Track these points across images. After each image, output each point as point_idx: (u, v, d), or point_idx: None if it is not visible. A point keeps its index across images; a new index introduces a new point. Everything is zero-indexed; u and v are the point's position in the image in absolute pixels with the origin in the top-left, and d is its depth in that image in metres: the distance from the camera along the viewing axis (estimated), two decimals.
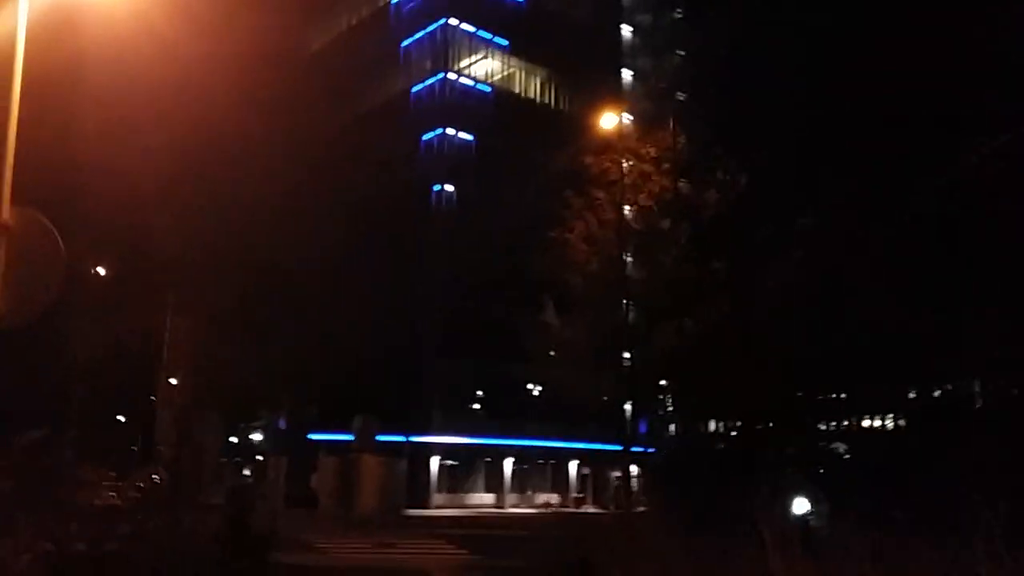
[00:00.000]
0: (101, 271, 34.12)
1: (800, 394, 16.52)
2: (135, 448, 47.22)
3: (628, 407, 60.94)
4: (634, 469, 58.42)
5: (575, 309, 18.29)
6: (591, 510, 52.71)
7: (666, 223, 16.97)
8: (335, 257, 50.47)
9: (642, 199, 17.40)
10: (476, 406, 53.54)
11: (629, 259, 18.36)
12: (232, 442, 68.63)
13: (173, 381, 55.26)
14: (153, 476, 42.46)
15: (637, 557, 10.16)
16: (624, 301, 17.83)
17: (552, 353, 20.15)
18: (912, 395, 61.80)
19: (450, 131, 53.99)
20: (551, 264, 18.23)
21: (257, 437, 64.20)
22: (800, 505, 15.41)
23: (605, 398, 21.14)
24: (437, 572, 16.10)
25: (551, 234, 18.26)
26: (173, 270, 41.09)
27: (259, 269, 46.84)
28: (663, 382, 18.92)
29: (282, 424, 49.17)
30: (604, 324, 18.85)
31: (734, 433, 18.75)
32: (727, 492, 15.10)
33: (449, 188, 53.36)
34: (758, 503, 14.14)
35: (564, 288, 18.26)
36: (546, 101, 58.87)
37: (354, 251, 51.60)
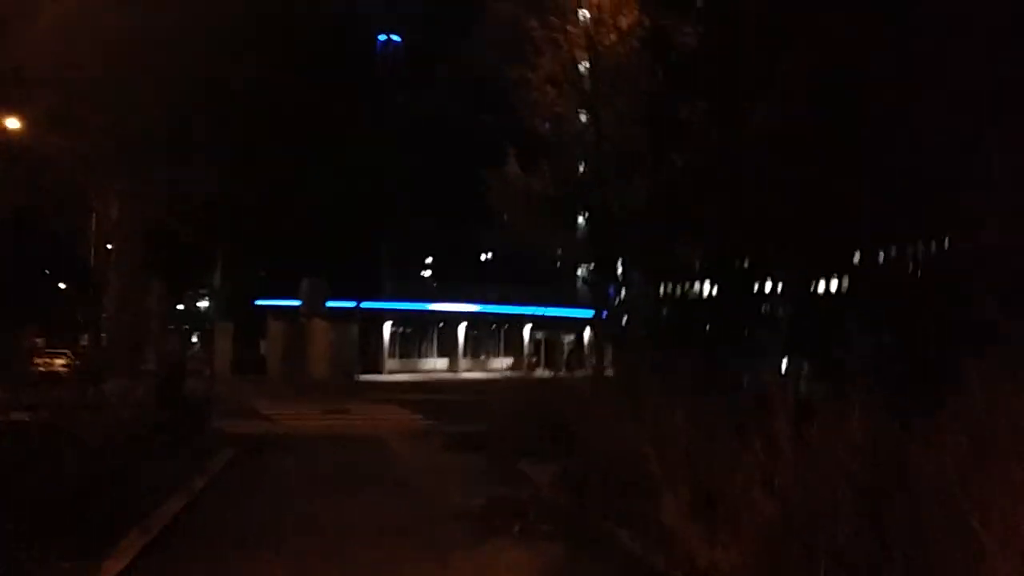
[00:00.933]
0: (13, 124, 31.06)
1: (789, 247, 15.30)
2: (79, 316, 45.44)
3: (581, 271, 60.52)
4: (587, 333, 58.93)
5: (540, 159, 16.76)
6: (544, 374, 52.98)
7: (640, 58, 15.29)
8: (275, 107, 47.52)
9: (612, 36, 15.62)
10: (428, 272, 52.49)
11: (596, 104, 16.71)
12: (179, 309, 67.11)
13: (109, 246, 53.05)
14: (88, 343, 41.01)
15: (620, 420, 9.13)
16: (596, 142, 16.29)
17: (512, 211, 18.70)
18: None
19: None
20: (515, 109, 16.56)
21: (205, 304, 62.69)
22: (785, 366, 14.65)
23: (566, 257, 19.86)
24: (391, 438, 15.15)
25: (512, 76, 16.46)
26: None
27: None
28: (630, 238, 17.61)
29: (224, 288, 47.59)
30: (571, 173, 17.39)
31: (713, 291, 17.61)
32: (712, 354, 14.15)
33: (396, 39, 50.20)
34: (748, 363, 13.17)
35: (529, 136, 16.65)
36: None
37: (294, 106, 48.59)
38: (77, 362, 37.52)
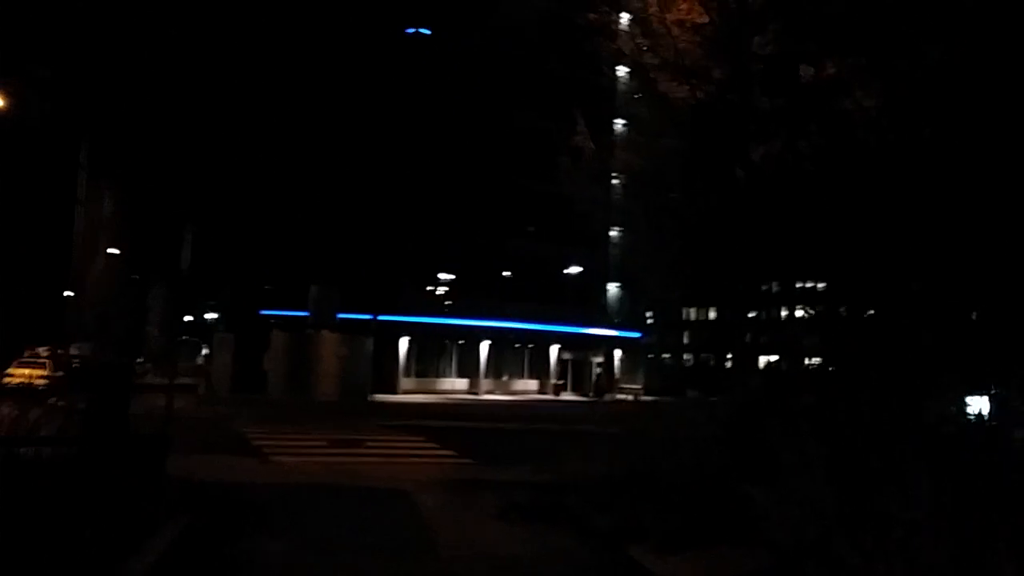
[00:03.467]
0: None
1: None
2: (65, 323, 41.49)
3: (613, 287, 56.38)
4: (617, 354, 54.57)
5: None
6: (570, 398, 48.86)
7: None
8: (292, 109, 44.00)
9: None
10: (447, 285, 48.46)
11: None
12: (188, 320, 63.27)
13: (114, 251, 49.28)
14: (74, 354, 36.95)
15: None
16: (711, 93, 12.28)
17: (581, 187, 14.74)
18: None
19: None
20: (593, 57, 12.75)
21: (213, 316, 58.87)
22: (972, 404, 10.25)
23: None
24: (422, 493, 10.94)
25: (588, 17, 12.55)
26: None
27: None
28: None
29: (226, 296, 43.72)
30: (659, 146, 13.45)
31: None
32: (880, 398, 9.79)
33: (425, 31, 46.46)
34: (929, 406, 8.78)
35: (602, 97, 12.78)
36: None
37: (314, 105, 44.93)
38: (59, 373, 33.53)
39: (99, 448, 8.61)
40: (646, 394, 54.35)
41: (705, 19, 12.19)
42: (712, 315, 77.15)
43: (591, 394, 49.56)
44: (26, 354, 32.35)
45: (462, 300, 47.43)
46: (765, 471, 6.30)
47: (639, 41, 12.23)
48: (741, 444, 7.61)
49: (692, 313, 76.50)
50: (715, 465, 7.59)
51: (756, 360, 13.36)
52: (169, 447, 9.95)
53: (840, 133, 10.66)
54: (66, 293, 44.53)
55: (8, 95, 25.70)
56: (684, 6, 12.32)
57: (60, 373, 31.97)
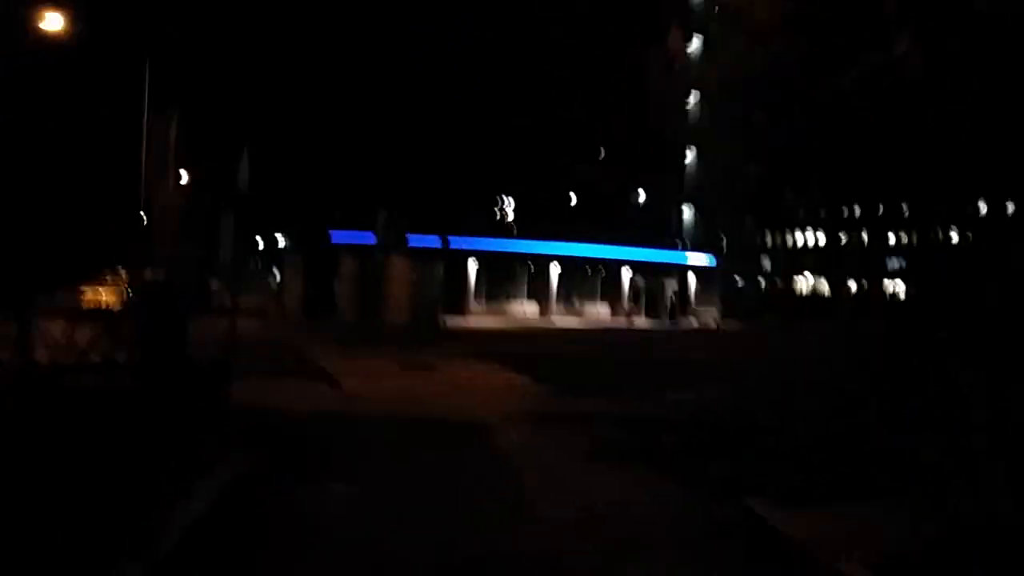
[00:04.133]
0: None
1: None
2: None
3: (687, 210, 54.67)
4: (692, 279, 52.99)
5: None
6: (644, 324, 47.68)
7: None
8: (356, 33, 42.69)
9: None
10: (514, 208, 47.31)
11: None
12: (258, 246, 63.73)
13: (184, 175, 49.28)
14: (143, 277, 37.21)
15: None
16: None
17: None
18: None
19: None
20: None
21: (282, 240, 59.05)
22: None
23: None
24: (502, 424, 10.06)
25: None
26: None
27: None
28: None
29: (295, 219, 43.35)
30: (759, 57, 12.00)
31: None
32: None
33: None
34: None
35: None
36: None
37: (380, 29, 43.51)
38: (131, 294, 33.82)
39: (151, 376, 7.90)
40: (723, 319, 52.94)
41: None
42: (795, 239, 74.50)
43: (666, 319, 48.29)
44: (102, 278, 32.70)
45: (532, 224, 46.29)
46: (928, 422, 5.15)
47: None
48: (886, 385, 6.42)
49: (770, 237, 74.00)
50: (850, 409, 6.43)
51: (882, 287, 12.04)
52: (231, 373, 9.23)
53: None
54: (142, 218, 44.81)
55: (67, 16, 24.94)
56: None
57: (131, 294, 32.28)
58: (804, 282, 70.34)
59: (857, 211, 66.50)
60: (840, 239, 67.47)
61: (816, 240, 71.28)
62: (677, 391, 12.11)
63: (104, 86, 33.76)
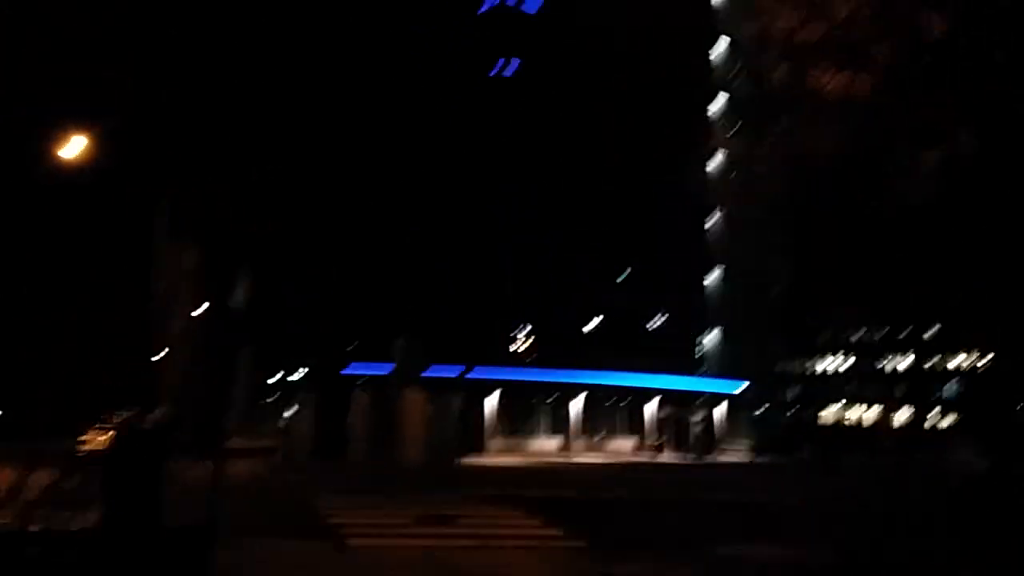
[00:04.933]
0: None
1: None
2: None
3: (712, 337, 52.97)
4: (718, 409, 50.82)
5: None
6: (671, 458, 45.32)
7: None
8: (372, 148, 42.79)
9: None
10: (531, 337, 46.07)
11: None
12: (272, 383, 62.33)
13: (196, 313, 48.54)
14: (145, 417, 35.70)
15: None
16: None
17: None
18: None
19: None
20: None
21: (298, 376, 57.71)
22: None
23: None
24: None
25: None
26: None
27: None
28: None
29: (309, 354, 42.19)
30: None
31: None
32: None
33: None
34: None
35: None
36: None
37: (397, 143, 43.62)
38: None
39: (109, 547, 6.35)
40: (754, 453, 50.35)
41: None
42: (825, 366, 72.00)
43: (694, 453, 45.96)
44: (104, 418, 31.27)
45: (552, 352, 44.89)
46: None
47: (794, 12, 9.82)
48: None
49: (811, 364, 71.57)
50: None
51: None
52: (216, 537, 7.63)
53: None
54: (157, 356, 43.76)
55: (84, 144, 24.55)
56: None
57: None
58: (841, 410, 67.58)
59: (896, 333, 64.42)
60: (876, 364, 65.03)
61: (851, 365, 68.72)
62: (736, 545, 10.35)
63: (119, 211, 33.34)
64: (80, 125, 21.28)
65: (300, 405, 33.36)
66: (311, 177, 40.22)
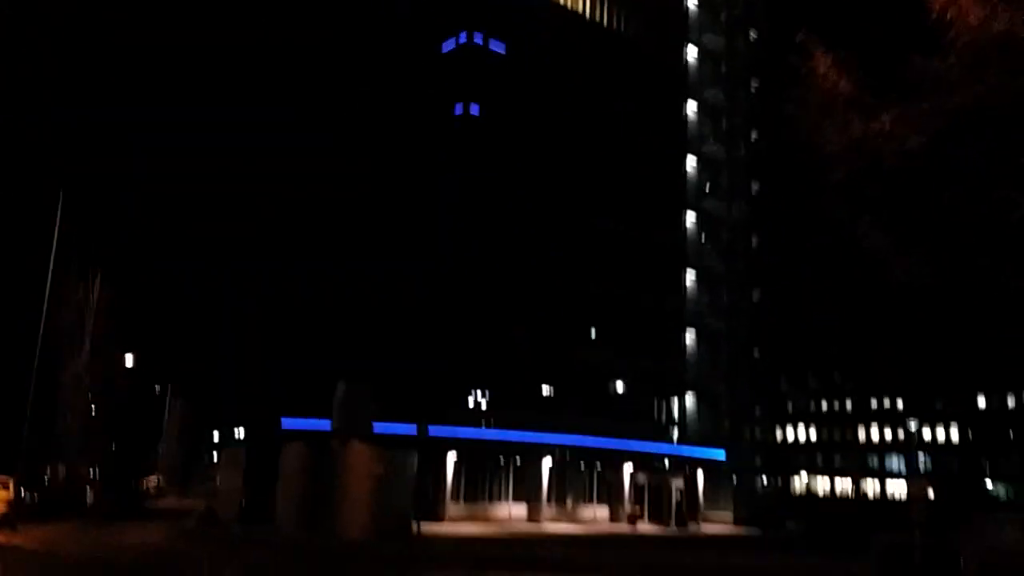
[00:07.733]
0: None
1: None
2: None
3: (691, 400, 48.92)
4: (700, 476, 46.26)
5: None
6: (649, 528, 40.59)
7: None
8: (329, 192, 38.77)
9: None
10: (504, 394, 41.44)
11: None
12: (214, 439, 56.48)
13: (129, 358, 43.27)
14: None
15: None
16: None
17: None
18: None
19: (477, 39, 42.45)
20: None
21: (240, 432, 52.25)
22: None
23: None
24: None
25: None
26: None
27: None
28: None
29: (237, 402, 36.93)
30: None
31: None
32: None
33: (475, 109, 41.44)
34: None
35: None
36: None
37: (354, 187, 39.65)
38: (25, 497, 27.16)
39: None
40: (737, 524, 45.85)
41: None
42: (809, 434, 68.40)
43: (673, 523, 41.32)
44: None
45: (520, 412, 40.25)
46: None
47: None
48: None
49: (781, 432, 68.01)
50: None
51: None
52: None
53: None
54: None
55: None
56: None
57: (25, 496, 26.09)
58: (823, 482, 63.79)
59: (888, 403, 62.50)
60: (863, 433, 62.68)
61: (839, 435, 65.59)
62: None
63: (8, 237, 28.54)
64: None
65: (226, 465, 28.18)
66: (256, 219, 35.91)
